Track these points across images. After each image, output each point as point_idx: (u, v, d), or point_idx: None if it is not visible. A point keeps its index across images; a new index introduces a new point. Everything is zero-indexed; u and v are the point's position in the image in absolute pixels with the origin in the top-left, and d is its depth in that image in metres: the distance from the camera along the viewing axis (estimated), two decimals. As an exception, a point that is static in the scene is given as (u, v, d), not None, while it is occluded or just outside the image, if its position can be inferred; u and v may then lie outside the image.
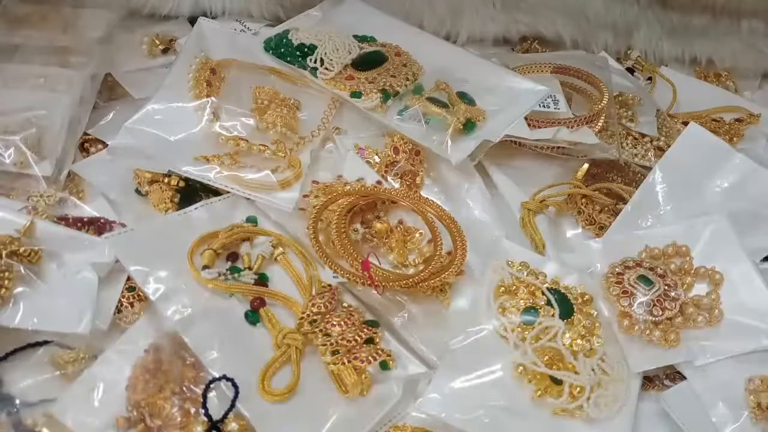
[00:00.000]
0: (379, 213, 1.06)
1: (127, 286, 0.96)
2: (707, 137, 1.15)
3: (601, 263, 1.03)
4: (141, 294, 0.95)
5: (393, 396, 0.90)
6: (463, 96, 1.17)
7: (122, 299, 0.95)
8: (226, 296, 0.95)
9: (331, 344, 0.89)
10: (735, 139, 1.34)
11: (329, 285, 0.97)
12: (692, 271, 1.02)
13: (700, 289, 1.00)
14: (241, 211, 1.06)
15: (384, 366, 0.91)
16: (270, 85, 1.16)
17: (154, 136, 1.08)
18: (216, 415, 0.83)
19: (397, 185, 1.10)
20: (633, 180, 1.20)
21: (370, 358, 0.89)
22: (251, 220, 1.05)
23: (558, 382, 0.91)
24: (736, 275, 1.00)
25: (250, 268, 0.99)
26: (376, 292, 0.96)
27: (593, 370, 0.91)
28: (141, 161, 1.07)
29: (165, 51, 1.32)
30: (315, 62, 1.18)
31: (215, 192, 1.07)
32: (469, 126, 1.13)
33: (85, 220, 1.01)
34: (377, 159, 1.13)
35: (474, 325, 0.97)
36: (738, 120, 1.38)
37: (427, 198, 1.06)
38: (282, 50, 1.21)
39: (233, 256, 1.01)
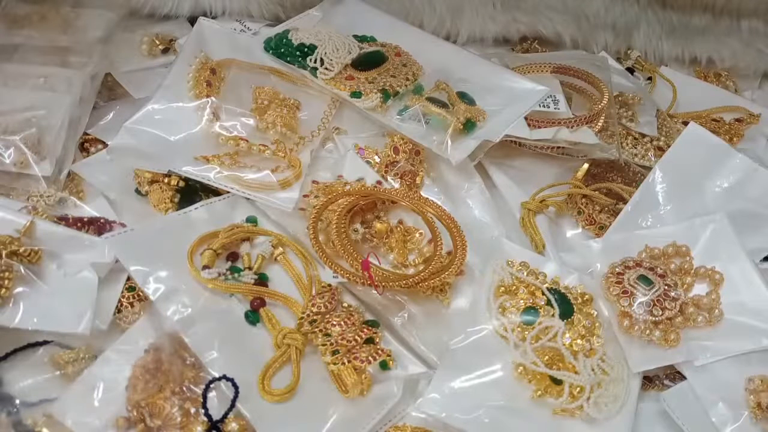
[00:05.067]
0: (379, 213, 1.06)
1: (127, 286, 0.96)
2: (707, 137, 1.15)
3: (601, 263, 1.04)
4: (141, 294, 0.95)
5: (393, 396, 0.90)
6: (463, 96, 1.17)
7: (122, 299, 0.95)
8: (226, 296, 0.95)
9: (331, 344, 0.89)
10: (735, 139, 1.34)
11: (329, 285, 0.97)
12: (692, 271, 1.02)
13: (700, 289, 1.00)
14: (241, 211, 1.06)
15: (384, 366, 0.91)
16: (270, 85, 1.17)
17: (154, 136, 1.08)
18: (216, 415, 0.83)
19: (397, 185, 1.10)
20: (633, 180, 1.20)
21: (370, 358, 0.89)
22: (251, 220, 1.05)
23: (558, 382, 0.91)
24: (736, 275, 1.00)
25: (250, 268, 0.99)
26: (376, 292, 0.96)
27: (593, 370, 0.91)
28: (141, 161, 1.07)
29: (165, 51, 1.32)
30: (315, 62, 1.18)
31: (215, 192, 1.07)
32: (469, 126, 1.13)
33: (85, 220, 1.00)
34: (377, 159, 1.13)
35: (474, 325, 0.97)
36: (738, 120, 1.38)
37: (427, 198, 1.06)
38: (282, 50, 1.21)
39: (233, 256, 1.01)
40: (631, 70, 1.48)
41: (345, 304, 0.98)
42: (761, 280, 0.99)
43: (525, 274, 1.00)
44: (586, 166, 1.18)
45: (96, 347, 0.90)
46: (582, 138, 1.18)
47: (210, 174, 1.05)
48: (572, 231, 1.16)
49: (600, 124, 1.20)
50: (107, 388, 0.86)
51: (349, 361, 0.88)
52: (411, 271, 1.01)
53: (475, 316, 0.98)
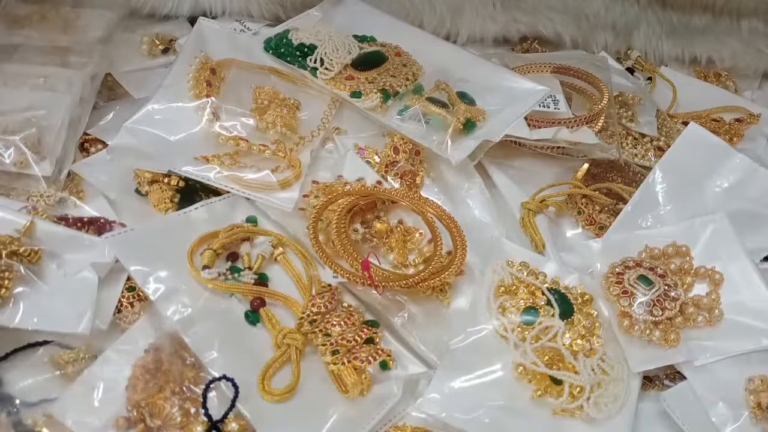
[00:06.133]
0: (379, 213, 1.06)
1: (127, 286, 0.96)
2: (707, 137, 1.15)
3: (601, 263, 1.04)
4: (141, 294, 0.95)
5: (393, 396, 0.91)
6: (463, 96, 1.17)
7: (122, 299, 0.95)
8: (226, 296, 0.95)
9: (331, 344, 0.89)
10: (735, 139, 1.34)
11: (329, 285, 0.97)
12: (692, 271, 1.02)
13: (700, 289, 1.00)
14: (241, 211, 1.06)
15: (384, 366, 0.91)
16: (270, 85, 1.17)
17: (154, 136, 1.08)
18: (216, 415, 0.83)
19: (397, 185, 1.10)
20: (633, 180, 1.20)
21: (370, 358, 0.89)
22: (251, 220, 1.05)
23: (558, 382, 0.91)
24: (736, 275, 1.00)
25: (250, 268, 0.99)
26: (376, 292, 0.96)
27: (593, 370, 0.91)
28: (141, 161, 1.07)
29: (165, 51, 1.32)
30: (315, 62, 1.18)
31: (215, 192, 1.07)
32: (469, 126, 1.13)
33: (85, 220, 1.00)
34: (377, 159, 1.13)
35: (474, 325, 0.97)
36: (738, 120, 1.38)
37: (427, 198, 1.06)
38: (282, 50, 1.21)
39: (233, 256, 1.01)
40: (631, 70, 1.48)
41: (345, 304, 0.98)
42: (761, 280, 0.99)
43: (525, 274, 1.00)
44: (586, 166, 1.18)
45: (96, 347, 0.90)
46: (582, 138, 1.18)
47: (210, 174, 1.05)
48: (572, 231, 1.16)
49: (600, 124, 1.20)
50: (107, 388, 0.86)
51: (349, 361, 0.88)
52: (411, 271, 1.01)
53: (475, 316, 0.98)
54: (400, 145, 1.13)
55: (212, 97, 1.11)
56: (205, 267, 0.96)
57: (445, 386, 0.91)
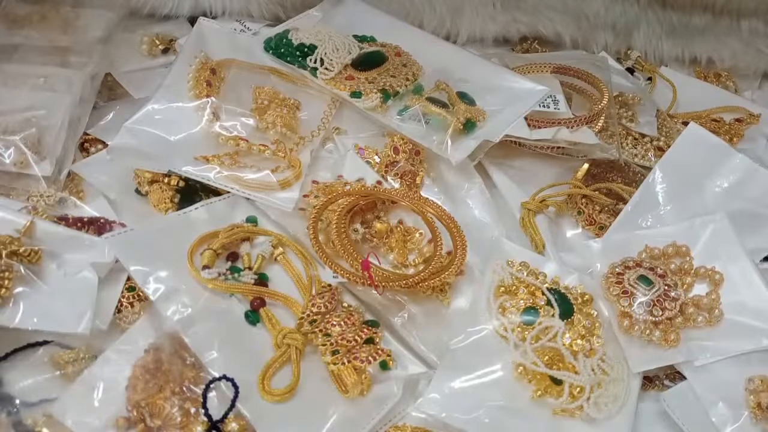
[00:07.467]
0: (379, 213, 1.06)
1: (127, 286, 0.96)
2: (707, 137, 1.15)
3: (601, 263, 1.04)
4: (141, 294, 0.95)
5: (393, 396, 0.91)
6: (463, 96, 1.17)
7: (122, 299, 0.95)
8: (226, 296, 0.95)
9: (331, 344, 0.89)
10: (735, 139, 1.34)
11: (329, 285, 0.97)
12: (692, 271, 1.02)
13: (700, 289, 1.00)
14: (241, 211, 1.06)
15: (384, 366, 0.91)
16: (270, 85, 1.17)
17: (154, 136, 1.08)
18: (216, 415, 0.83)
19: (397, 185, 1.11)
20: (633, 180, 1.20)
21: (370, 358, 0.89)
22: (251, 220, 1.05)
23: (558, 382, 0.91)
24: (736, 275, 1.00)
25: (250, 268, 0.99)
26: (376, 292, 0.96)
27: (593, 370, 0.91)
28: (141, 161, 1.07)
29: (165, 51, 1.32)
30: (315, 62, 1.18)
31: (215, 192, 1.07)
32: (469, 126, 1.13)
33: (85, 220, 1.00)
34: (377, 159, 1.13)
35: (474, 325, 0.97)
36: (738, 120, 1.38)
37: (427, 198, 1.06)
38: (282, 50, 1.21)
39: (233, 256, 1.01)
40: (631, 70, 1.48)
41: (345, 304, 0.98)
42: (761, 280, 0.99)
43: (525, 274, 1.00)
44: (586, 166, 1.18)
45: (96, 347, 0.90)
46: (582, 138, 1.18)
47: (210, 174, 1.05)
48: (572, 231, 1.16)
49: (600, 124, 1.20)
50: (107, 388, 0.86)
51: (349, 361, 0.88)
52: (411, 271, 1.01)
53: (475, 316, 0.98)
54: (400, 145, 1.13)
55: (212, 97, 1.11)
56: (205, 267, 0.96)
57: (445, 386, 0.91)
